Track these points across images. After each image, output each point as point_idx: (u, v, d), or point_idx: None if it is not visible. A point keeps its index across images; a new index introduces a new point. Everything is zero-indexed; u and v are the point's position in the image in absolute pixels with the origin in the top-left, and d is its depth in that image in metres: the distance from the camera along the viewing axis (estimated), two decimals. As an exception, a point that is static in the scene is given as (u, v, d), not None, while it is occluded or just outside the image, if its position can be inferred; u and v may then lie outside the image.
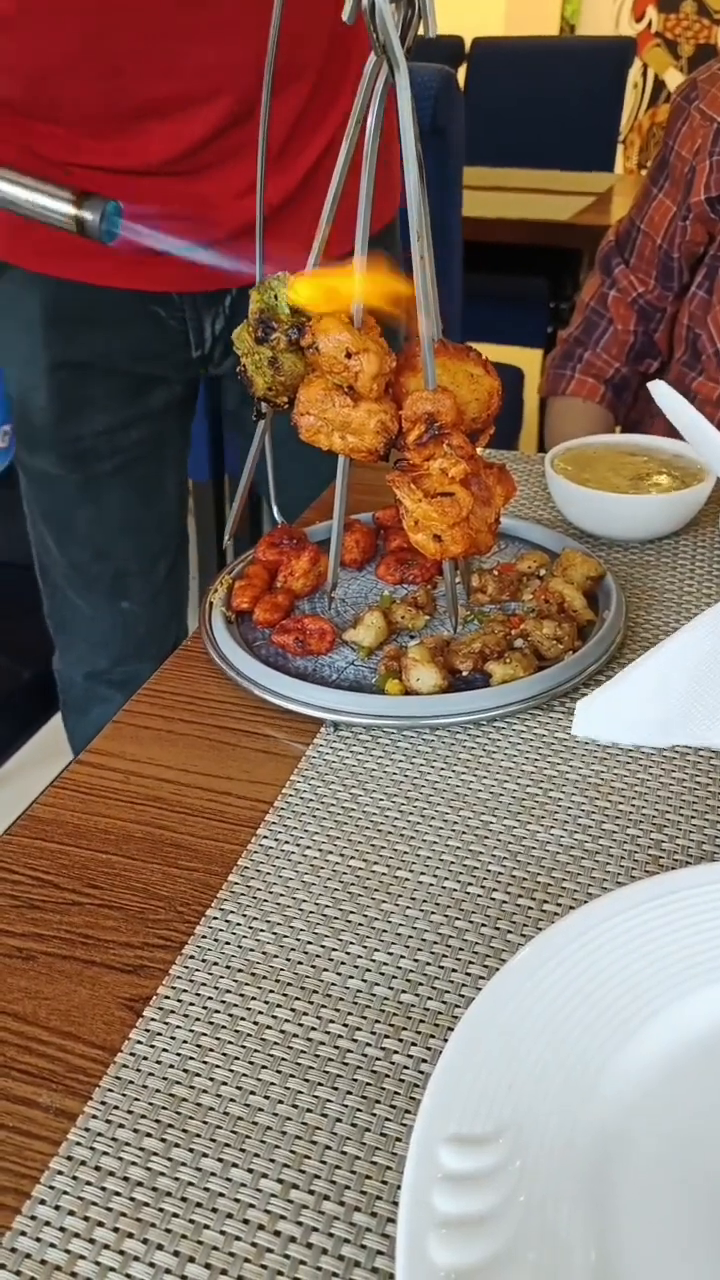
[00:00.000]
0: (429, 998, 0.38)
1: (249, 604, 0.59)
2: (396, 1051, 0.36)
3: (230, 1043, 0.36)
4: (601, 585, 0.61)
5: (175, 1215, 0.31)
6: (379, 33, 0.43)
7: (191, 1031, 0.37)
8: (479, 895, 0.42)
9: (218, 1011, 0.38)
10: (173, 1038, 0.37)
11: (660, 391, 0.63)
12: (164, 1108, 0.34)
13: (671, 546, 0.69)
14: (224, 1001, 0.38)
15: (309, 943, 0.40)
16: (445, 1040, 0.36)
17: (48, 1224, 0.31)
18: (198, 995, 0.38)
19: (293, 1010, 0.38)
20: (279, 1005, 0.38)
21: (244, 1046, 0.36)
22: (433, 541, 0.50)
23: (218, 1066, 0.36)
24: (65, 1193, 0.32)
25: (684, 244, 1.03)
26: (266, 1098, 0.35)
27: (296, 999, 0.38)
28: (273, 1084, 0.35)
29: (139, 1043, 0.36)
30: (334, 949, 0.40)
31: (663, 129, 1.04)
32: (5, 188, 0.51)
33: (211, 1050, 0.36)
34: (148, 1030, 0.37)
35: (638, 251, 1.07)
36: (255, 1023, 0.37)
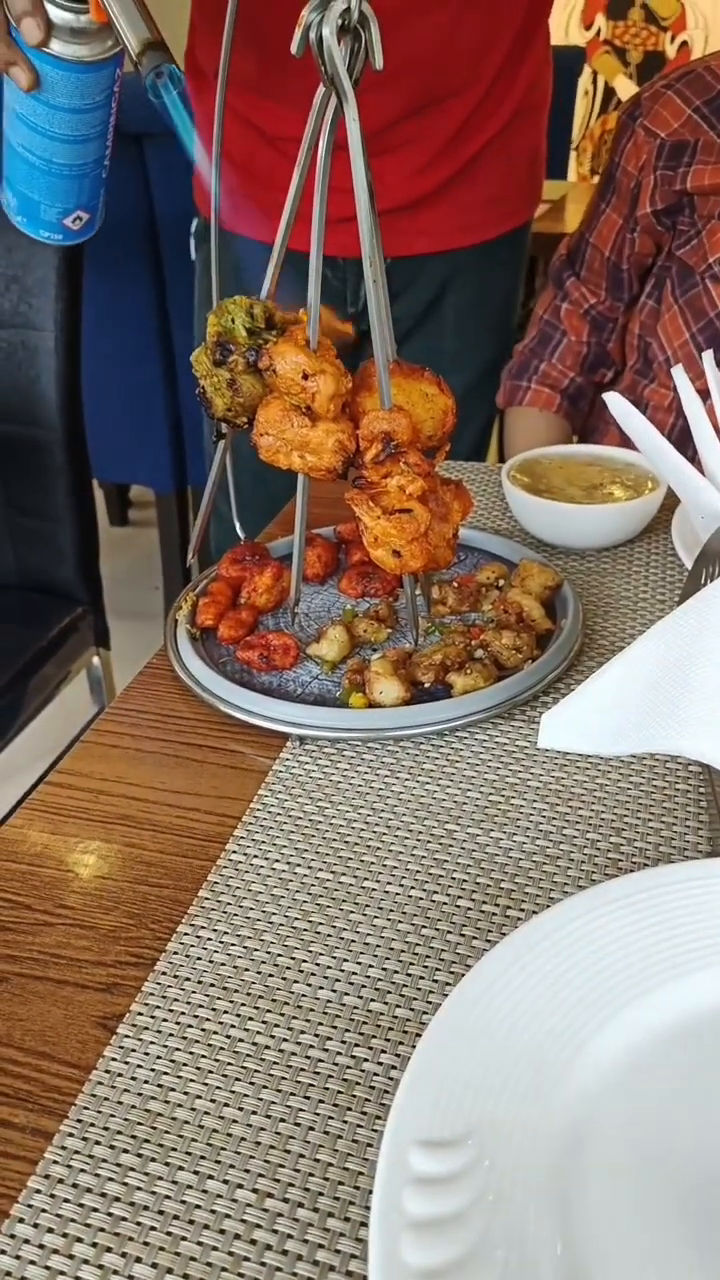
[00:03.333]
0: (397, 1005, 0.39)
1: (213, 621, 0.60)
2: (366, 1059, 0.37)
3: (204, 1056, 0.37)
4: (559, 594, 0.62)
5: (153, 1229, 0.32)
6: (327, 66, 0.44)
7: (165, 1047, 0.37)
8: (444, 903, 0.43)
9: (190, 1026, 0.38)
10: (146, 1054, 0.37)
11: (613, 402, 0.65)
12: (139, 1123, 0.35)
13: (626, 554, 0.71)
14: (197, 1016, 0.39)
15: (279, 955, 0.41)
16: (414, 1047, 0.37)
17: (26, 1242, 0.31)
18: (170, 1011, 0.39)
19: (264, 1022, 0.38)
20: (251, 1018, 0.39)
21: (217, 1059, 0.37)
22: (392, 557, 0.51)
23: (192, 1080, 0.36)
24: (44, 1210, 0.32)
25: (632, 256, 1.05)
26: (240, 1109, 0.35)
27: (268, 1011, 0.39)
28: (246, 1095, 0.36)
29: (113, 1060, 0.37)
30: (304, 960, 0.41)
31: (612, 135, 1.07)
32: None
33: (185, 1065, 0.37)
34: (122, 1047, 0.37)
35: (587, 264, 1.09)
36: (228, 1035, 0.38)
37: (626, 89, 3.89)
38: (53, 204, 0.63)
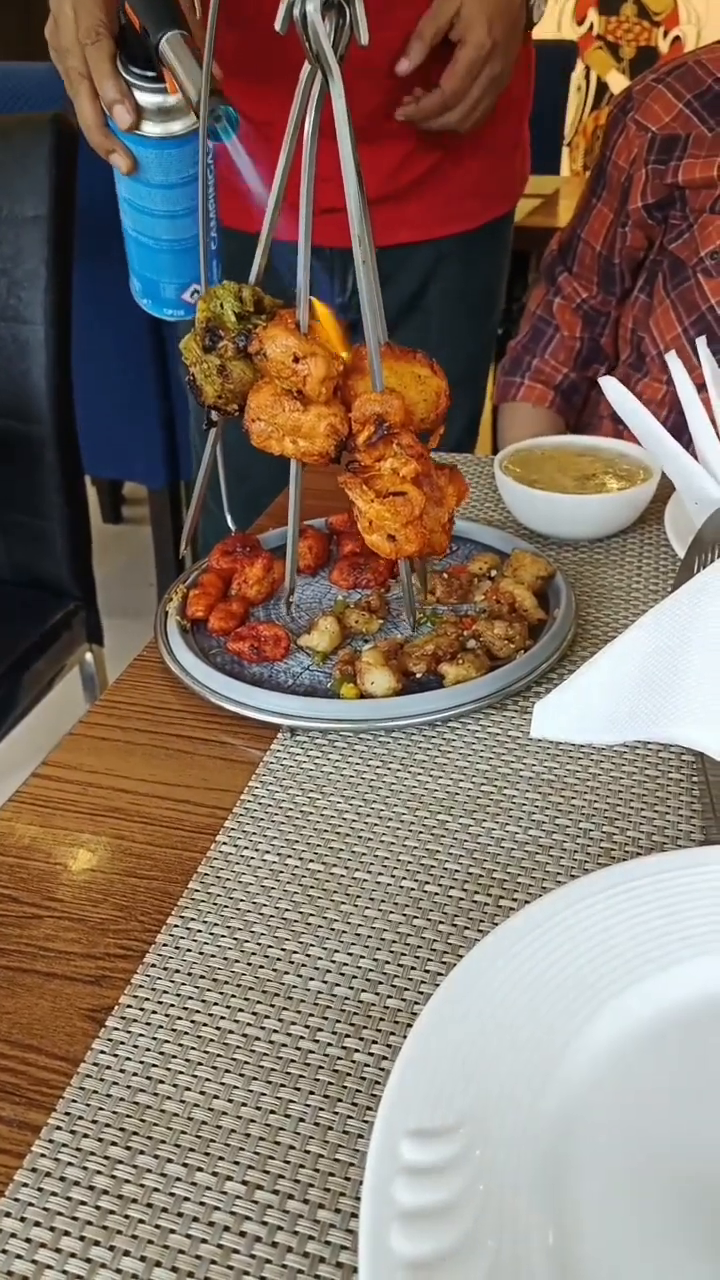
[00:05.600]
0: (389, 996, 0.39)
1: (204, 612, 0.59)
2: (357, 1050, 0.37)
3: (193, 1048, 0.37)
4: (551, 584, 0.62)
5: (141, 1221, 0.31)
6: (312, 43, 0.44)
7: (154, 1039, 0.37)
8: (436, 894, 0.43)
9: (180, 1018, 0.38)
10: (136, 1046, 0.37)
11: (609, 387, 0.64)
12: (128, 1116, 0.34)
13: (619, 544, 0.70)
14: (186, 1008, 0.38)
15: (270, 946, 0.41)
16: (405, 1037, 0.37)
17: (13, 1236, 0.31)
18: (160, 1003, 0.38)
19: (254, 1013, 0.38)
20: (241, 1009, 0.38)
21: (207, 1051, 0.37)
22: (387, 541, 0.51)
23: (181, 1072, 0.36)
24: (30, 1204, 0.32)
25: (624, 250, 1.05)
26: (230, 1101, 0.35)
27: (258, 1002, 0.38)
28: (236, 1087, 0.35)
29: (102, 1053, 0.37)
30: (294, 951, 0.40)
31: (605, 130, 1.07)
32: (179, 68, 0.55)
33: (175, 1057, 0.36)
34: (110, 1040, 0.37)
35: (579, 259, 1.09)
36: (218, 1027, 0.37)
37: (619, 84, 3.88)
38: (170, 281, 0.65)
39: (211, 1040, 0.37)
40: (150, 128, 0.59)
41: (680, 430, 0.65)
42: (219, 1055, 0.36)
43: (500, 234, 1.08)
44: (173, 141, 0.59)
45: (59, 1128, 0.34)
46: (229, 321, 0.50)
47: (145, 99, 0.59)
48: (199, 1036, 0.37)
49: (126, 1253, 0.30)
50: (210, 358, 0.51)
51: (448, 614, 0.60)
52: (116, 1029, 0.37)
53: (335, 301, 1.01)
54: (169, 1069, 0.36)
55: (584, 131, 3.99)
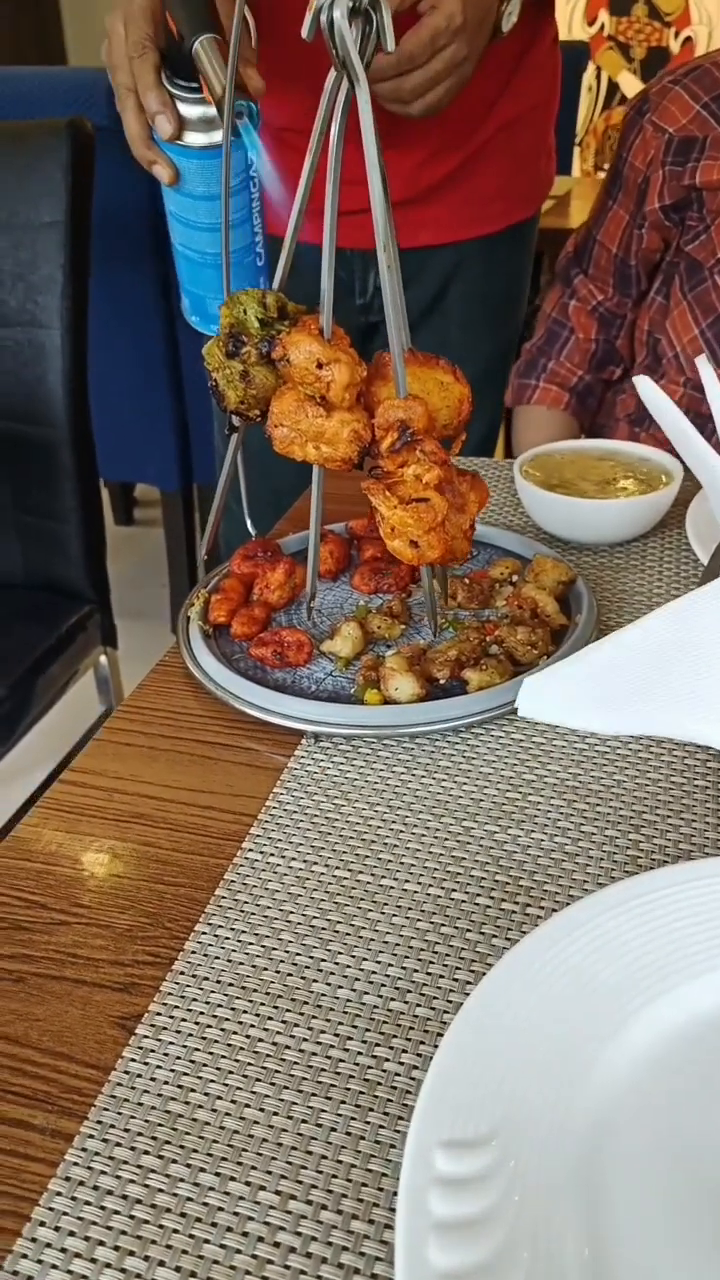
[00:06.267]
0: (417, 1005, 0.38)
1: (226, 618, 0.59)
2: (387, 1059, 0.37)
3: (224, 1056, 0.37)
4: (572, 589, 0.61)
5: (175, 1231, 0.31)
6: (338, 49, 0.44)
7: (184, 1047, 0.37)
8: (463, 901, 0.43)
9: (210, 1026, 0.38)
10: (166, 1054, 0.37)
11: (642, 385, 0.64)
12: (160, 1124, 0.34)
13: (640, 549, 0.70)
14: (215, 1016, 0.38)
15: (298, 954, 0.41)
16: (435, 1046, 0.37)
17: (49, 1245, 0.31)
18: (189, 1011, 0.38)
19: (284, 1022, 0.38)
20: (270, 1017, 0.38)
21: (237, 1060, 0.37)
22: (409, 548, 0.51)
23: (212, 1081, 0.36)
24: (65, 1213, 0.32)
25: (641, 251, 1.05)
26: (261, 1110, 0.35)
27: (288, 1010, 0.38)
28: (267, 1096, 0.35)
29: (132, 1060, 0.37)
30: (323, 959, 0.40)
31: (617, 131, 1.06)
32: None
33: (205, 1065, 0.36)
34: (140, 1048, 0.37)
35: (595, 261, 1.08)
36: (248, 1035, 0.37)
37: (630, 85, 3.88)
38: (216, 296, 0.64)
39: (241, 1049, 0.37)
40: (193, 138, 0.60)
41: (700, 433, 0.65)
42: (249, 1064, 0.36)
43: (523, 237, 1.08)
44: (215, 152, 0.60)
45: (91, 1136, 0.34)
46: (252, 327, 0.50)
47: (188, 110, 0.60)
48: (229, 1045, 0.37)
49: (161, 1263, 0.31)
50: (233, 363, 0.51)
51: (469, 619, 0.60)
52: (147, 1037, 0.37)
53: (356, 303, 1.01)
54: (200, 1077, 0.36)
55: (594, 132, 3.98)
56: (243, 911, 0.43)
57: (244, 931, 0.42)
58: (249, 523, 0.67)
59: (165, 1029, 0.38)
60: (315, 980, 0.39)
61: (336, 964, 0.40)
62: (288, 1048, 0.37)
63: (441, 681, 0.54)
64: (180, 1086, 0.36)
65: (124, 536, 2.43)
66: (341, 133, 0.47)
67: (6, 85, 1.58)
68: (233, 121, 0.54)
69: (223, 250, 0.57)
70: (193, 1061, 0.37)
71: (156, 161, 0.62)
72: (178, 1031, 0.38)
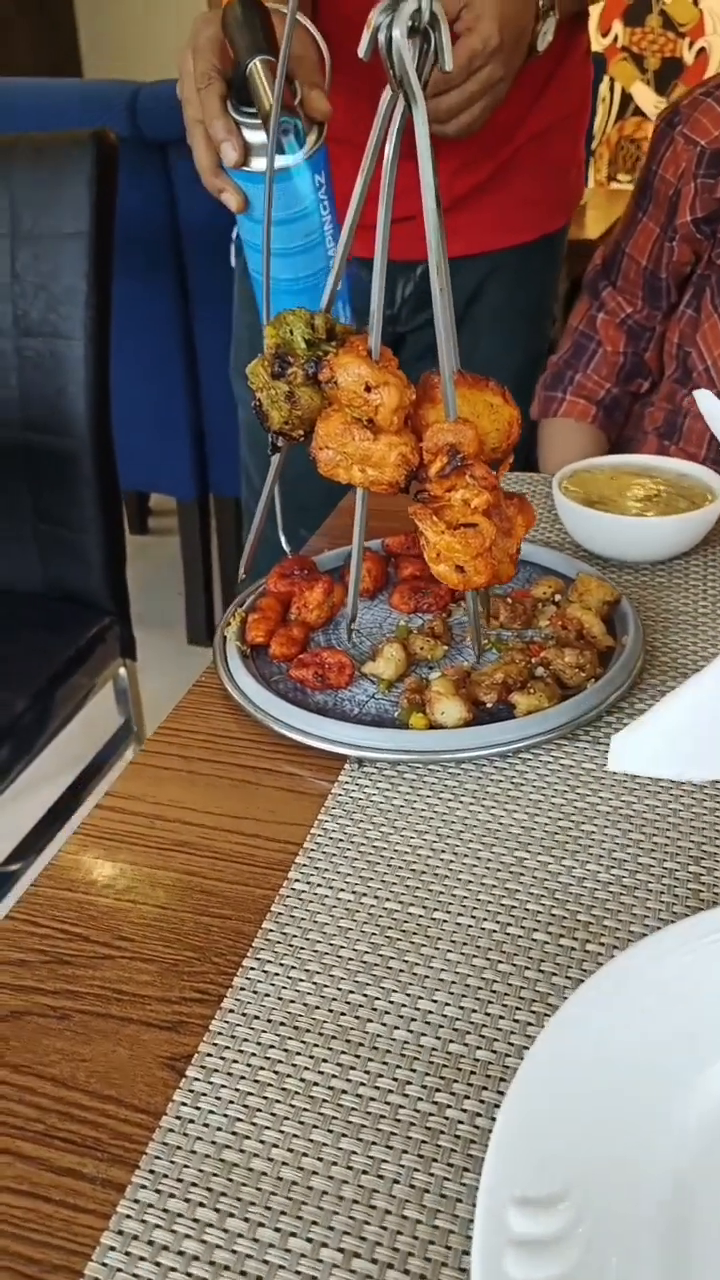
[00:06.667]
0: (478, 1047, 0.37)
1: (264, 638, 0.58)
2: (449, 1105, 0.35)
3: (278, 1101, 0.35)
4: (618, 609, 0.60)
5: (236, 1291, 0.30)
6: (396, 68, 0.43)
7: (237, 1090, 0.36)
8: (519, 936, 0.42)
9: (263, 1068, 0.36)
10: (218, 1098, 0.36)
11: (703, 400, 0.62)
12: (215, 1174, 0.33)
13: (682, 567, 0.69)
14: (268, 1058, 0.37)
15: (350, 991, 0.39)
16: (499, 1092, 0.35)
17: (104, 1306, 0.30)
18: (240, 1051, 0.37)
19: (339, 1065, 0.37)
20: (325, 1060, 0.37)
21: (292, 1105, 0.35)
22: (455, 573, 0.49)
23: (267, 1128, 0.35)
24: (119, 1270, 0.31)
25: (671, 264, 1.04)
26: (320, 1159, 0.34)
27: (342, 1053, 0.37)
28: (325, 1144, 0.34)
29: (184, 1105, 0.35)
30: (376, 997, 0.39)
31: (630, 141, 1.06)
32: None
33: (259, 1110, 0.35)
34: (191, 1091, 0.36)
35: (624, 274, 1.07)
36: (302, 1079, 0.36)
37: (644, 95, 3.87)
38: None
39: (296, 1093, 0.36)
40: (260, 164, 0.60)
41: None
42: (305, 1109, 0.35)
43: (553, 248, 1.07)
44: (285, 175, 0.60)
45: (144, 1186, 0.33)
46: (299, 348, 0.49)
47: (253, 136, 0.61)
48: (283, 1089, 0.36)
49: (223, 1325, 0.29)
50: (278, 384, 0.50)
51: (513, 639, 0.59)
52: (198, 1079, 0.36)
53: (384, 314, 1.00)
54: (254, 1124, 0.35)
55: (608, 143, 3.97)
56: (291, 946, 0.41)
57: (294, 967, 0.40)
58: (284, 540, 0.66)
59: (216, 1070, 0.36)
60: (370, 1020, 0.38)
61: (391, 1003, 0.39)
62: (344, 1092, 0.36)
63: (488, 705, 0.53)
64: (234, 1134, 0.34)
65: (138, 545, 2.42)
66: (396, 152, 0.46)
67: (27, 97, 1.58)
68: (279, 140, 0.54)
69: (263, 269, 0.56)
70: (246, 1106, 0.35)
71: (225, 189, 0.62)
72: (229, 1074, 0.36)
